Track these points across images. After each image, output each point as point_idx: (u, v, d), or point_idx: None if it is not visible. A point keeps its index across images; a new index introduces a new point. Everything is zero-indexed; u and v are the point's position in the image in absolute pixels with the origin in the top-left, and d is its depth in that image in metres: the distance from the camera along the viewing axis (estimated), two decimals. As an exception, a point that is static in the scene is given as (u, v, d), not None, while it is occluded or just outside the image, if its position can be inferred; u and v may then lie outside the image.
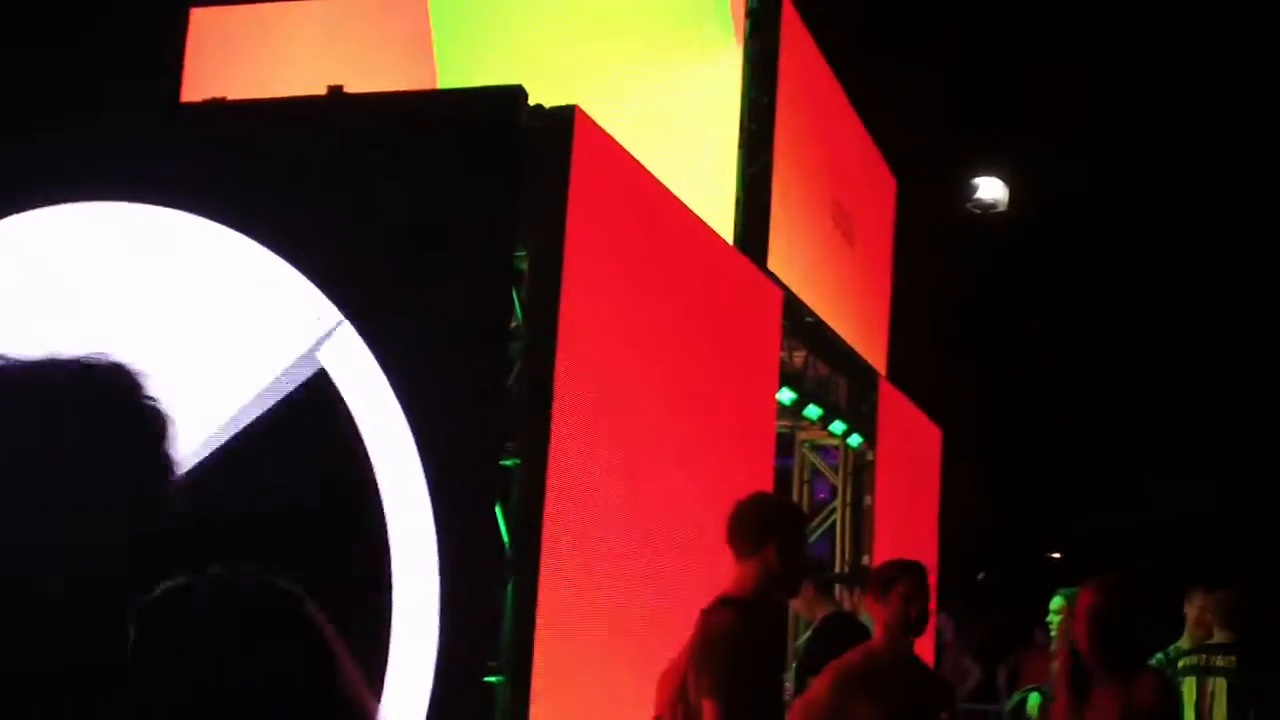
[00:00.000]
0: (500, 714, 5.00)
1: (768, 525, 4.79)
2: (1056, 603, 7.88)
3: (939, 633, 11.60)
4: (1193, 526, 23.36)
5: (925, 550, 11.97)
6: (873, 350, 11.17)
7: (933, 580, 12.02)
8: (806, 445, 11.26)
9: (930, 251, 16.20)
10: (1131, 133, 20.36)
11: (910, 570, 5.90)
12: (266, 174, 5.66)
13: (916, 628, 5.79)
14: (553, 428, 5.23)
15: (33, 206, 5.90)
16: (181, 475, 1.96)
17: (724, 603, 4.73)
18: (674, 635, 4.83)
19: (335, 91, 5.85)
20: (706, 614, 4.73)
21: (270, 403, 5.39)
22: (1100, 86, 20.07)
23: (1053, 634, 7.93)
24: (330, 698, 2.20)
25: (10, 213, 5.91)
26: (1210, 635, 7.05)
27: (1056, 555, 26.24)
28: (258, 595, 2.25)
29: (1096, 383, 23.54)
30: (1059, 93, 19.48)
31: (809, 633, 8.15)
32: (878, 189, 11.54)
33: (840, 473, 10.94)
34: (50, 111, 6.50)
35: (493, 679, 5.03)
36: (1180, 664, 6.91)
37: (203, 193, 5.62)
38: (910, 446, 11.87)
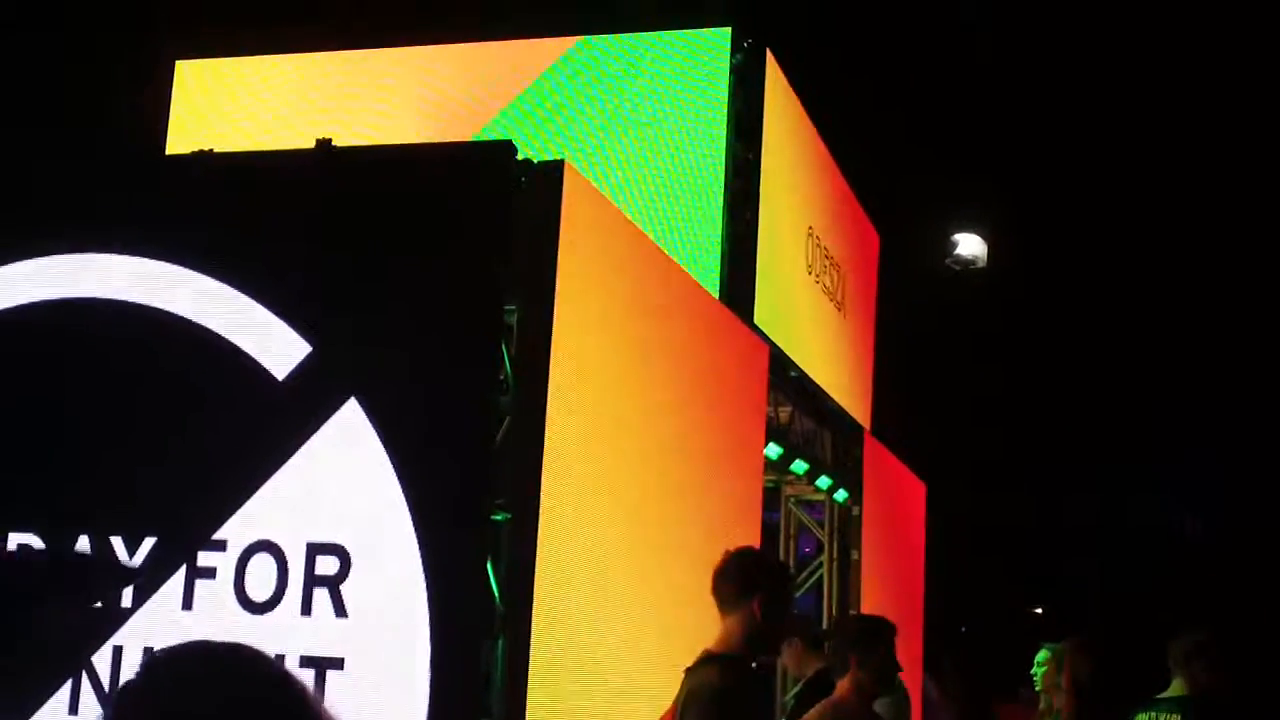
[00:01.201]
0: (491, 771, 4.95)
1: (750, 580, 4.77)
2: (1041, 655, 7.84)
3: (925, 691, 11.53)
4: (1178, 574, 23.36)
5: (911, 604, 11.93)
6: (857, 404, 11.16)
7: (919, 633, 11.98)
8: (792, 500, 11.23)
9: (912, 306, 16.24)
10: (1111, 188, 20.51)
11: (878, 628, 5.91)
12: (253, 227, 5.64)
13: (886, 682, 5.78)
14: (543, 481, 5.20)
15: (20, 258, 5.87)
16: None
17: (707, 658, 4.71)
18: (667, 690, 4.79)
19: (323, 144, 5.83)
20: (690, 671, 4.71)
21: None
22: (1078, 145, 20.23)
23: (1038, 688, 7.89)
24: None
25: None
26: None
27: (1038, 610, 26.19)
28: (236, 662, 2.23)
29: (1076, 435, 23.60)
30: (1040, 150, 19.62)
31: (797, 688, 8.10)
32: (861, 243, 11.57)
33: (826, 527, 10.91)
34: (37, 161, 6.48)
35: (483, 735, 4.99)
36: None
37: (190, 245, 5.59)
38: (895, 501, 11.85)
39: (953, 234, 20.43)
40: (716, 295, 7.81)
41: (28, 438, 5.69)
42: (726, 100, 8.27)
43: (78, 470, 5.59)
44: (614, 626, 5.85)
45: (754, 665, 4.95)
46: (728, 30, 8.38)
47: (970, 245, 20.39)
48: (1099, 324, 22.48)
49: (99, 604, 5.39)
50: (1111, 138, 20.10)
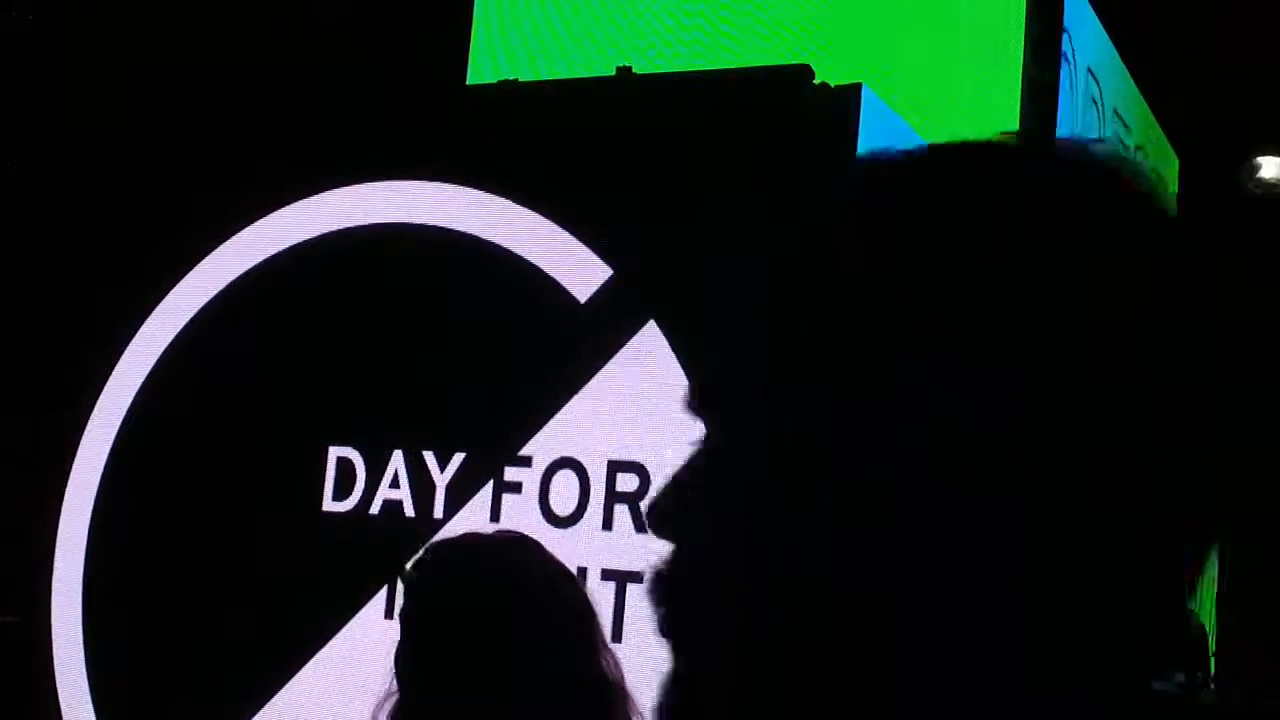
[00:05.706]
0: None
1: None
2: None
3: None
4: None
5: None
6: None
7: None
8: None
9: (1212, 230, 15.61)
10: None
11: None
12: (557, 154, 5.78)
13: None
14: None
15: (329, 189, 6.13)
16: None
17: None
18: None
19: (623, 72, 5.93)
20: None
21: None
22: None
23: None
24: (588, 668, 2.28)
25: (303, 195, 6.16)
26: None
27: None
28: (527, 557, 2.33)
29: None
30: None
31: None
32: (1161, 163, 11.19)
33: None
34: (341, 97, 6.74)
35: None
36: None
37: (496, 171, 5.77)
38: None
39: (1255, 156, 19.54)
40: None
41: (346, 360, 5.99)
42: (1023, 22, 8.08)
43: (392, 390, 5.86)
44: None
45: None
46: (1025, -52, 8.17)
47: (1273, 168, 19.46)
48: None
49: (413, 514, 5.67)
50: None
